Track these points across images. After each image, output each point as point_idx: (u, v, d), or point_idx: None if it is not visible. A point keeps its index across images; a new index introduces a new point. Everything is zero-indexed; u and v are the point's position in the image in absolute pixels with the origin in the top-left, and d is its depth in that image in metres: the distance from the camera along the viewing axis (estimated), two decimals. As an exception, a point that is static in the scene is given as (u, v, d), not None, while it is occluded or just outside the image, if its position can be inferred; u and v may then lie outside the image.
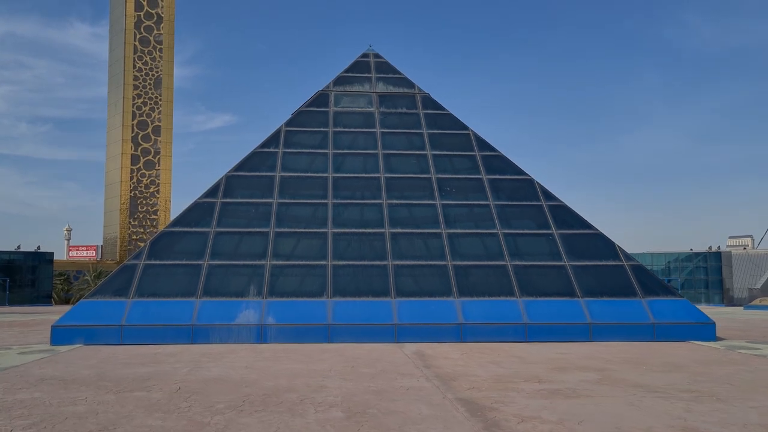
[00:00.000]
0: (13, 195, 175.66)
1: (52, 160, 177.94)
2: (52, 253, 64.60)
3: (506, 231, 20.89)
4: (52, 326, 16.86)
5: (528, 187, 22.40)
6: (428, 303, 18.55)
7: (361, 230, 20.64)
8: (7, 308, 49.41)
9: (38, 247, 64.55)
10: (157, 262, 18.69)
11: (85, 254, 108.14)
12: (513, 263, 19.82)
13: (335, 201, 21.41)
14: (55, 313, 36.97)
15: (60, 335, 16.67)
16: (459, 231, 20.84)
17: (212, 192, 21.04)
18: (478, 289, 19.02)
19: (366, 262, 19.58)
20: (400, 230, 20.61)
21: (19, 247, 59.72)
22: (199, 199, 20.79)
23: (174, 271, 18.70)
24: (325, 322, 17.77)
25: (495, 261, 19.93)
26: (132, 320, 16.98)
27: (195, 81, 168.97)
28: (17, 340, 18.10)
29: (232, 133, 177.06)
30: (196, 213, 20.30)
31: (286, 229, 20.38)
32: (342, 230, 20.48)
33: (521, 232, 21.07)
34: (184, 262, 18.79)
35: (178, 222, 19.97)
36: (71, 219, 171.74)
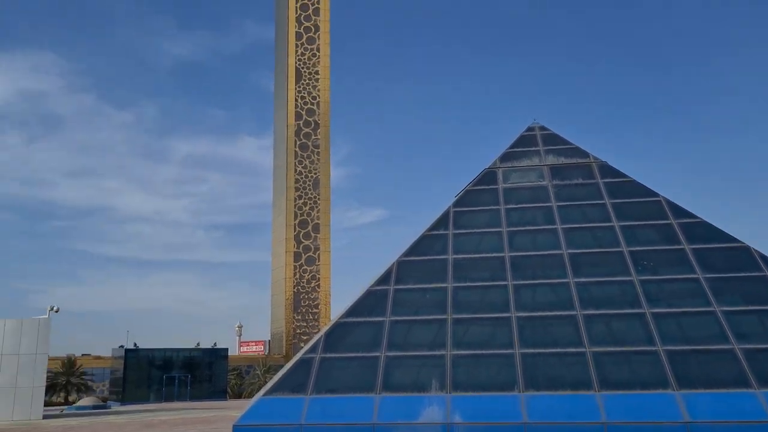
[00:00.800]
0: (192, 296, 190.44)
1: (224, 263, 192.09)
2: (227, 349, 67.48)
3: (725, 308, 17.49)
4: (233, 426, 16.00)
5: (744, 256, 18.93)
6: (640, 397, 15.55)
7: (547, 313, 18.28)
8: (188, 403, 51.31)
9: (215, 344, 67.71)
10: (333, 355, 17.52)
11: (254, 349, 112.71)
12: (742, 347, 16.33)
13: (515, 282, 19.34)
14: (231, 408, 37.47)
15: (241, 435, 15.73)
16: (665, 310, 17.76)
17: (384, 279, 19.87)
18: (702, 378, 15.72)
19: (558, 350, 17.07)
20: (593, 312, 17.97)
21: (198, 344, 63.03)
22: (371, 287, 19.67)
23: (350, 364, 17.39)
24: (520, 420, 15.36)
25: (717, 344, 16.56)
26: (311, 419, 15.69)
27: (348, 179, 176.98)
28: (198, 440, 17.45)
29: (383, 226, 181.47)
30: (369, 301, 19.13)
31: (465, 315, 18.52)
32: (526, 314, 18.24)
33: (744, 308, 17.56)
34: (360, 354, 17.47)
35: (351, 312, 18.86)
36: (241, 316, 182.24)
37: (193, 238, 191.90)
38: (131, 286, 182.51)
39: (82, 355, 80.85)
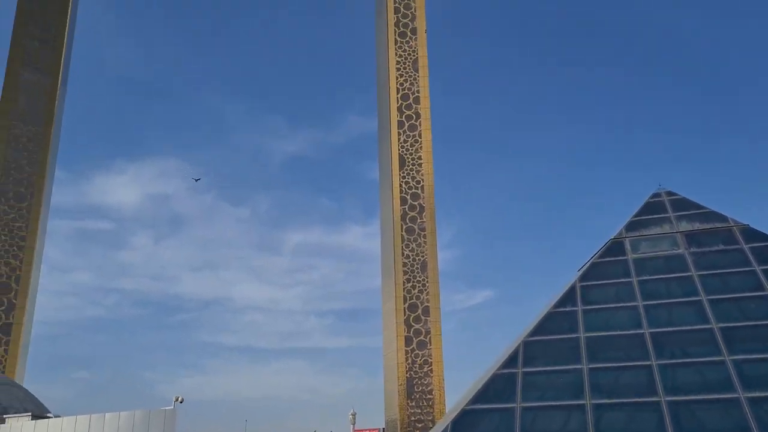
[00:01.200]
0: (305, 383, 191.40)
1: (335, 348, 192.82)
2: (345, 438, 65.87)
3: None
4: None
5: None
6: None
7: (703, 396, 16.08)
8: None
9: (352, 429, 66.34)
10: (464, 447, 16.15)
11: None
12: None
13: (659, 362, 17.33)
14: None
15: None
16: None
17: (510, 361, 18.46)
18: None
19: (723, 439, 14.82)
20: (760, 394, 15.61)
21: (314, 432, 61.94)
22: (497, 370, 18.30)
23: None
24: None
25: None
26: None
27: (453, 262, 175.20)
28: None
29: (492, 306, 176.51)
30: (497, 386, 17.73)
31: (606, 401, 16.65)
32: (678, 398, 16.12)
33: None
34: (495, 445, 16.00)
35: (479, 398, 17.51)
36: (354, 402, 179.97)
37: (305, 325, 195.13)
38: (247, 375, 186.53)
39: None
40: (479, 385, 18.21)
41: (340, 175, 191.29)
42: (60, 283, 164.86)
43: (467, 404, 17.52)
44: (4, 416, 36.95)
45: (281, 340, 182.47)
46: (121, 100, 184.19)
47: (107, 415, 32.61)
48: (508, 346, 19.74)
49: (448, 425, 16.75)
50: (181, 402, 33.94)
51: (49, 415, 36.98)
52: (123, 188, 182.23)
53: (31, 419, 34.06)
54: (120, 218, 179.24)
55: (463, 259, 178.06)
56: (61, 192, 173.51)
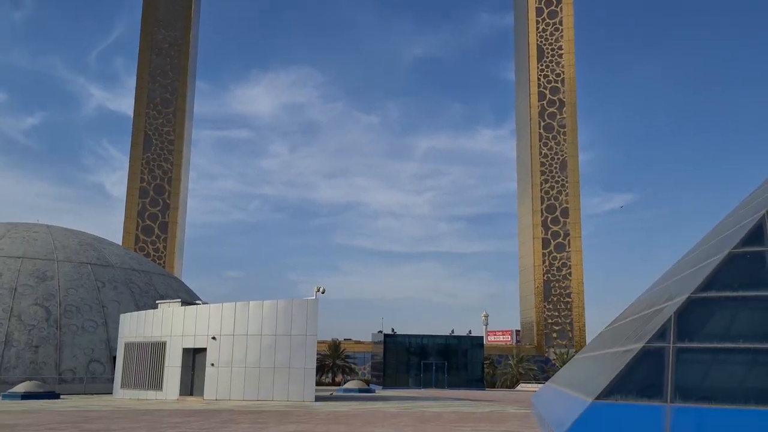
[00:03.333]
0: (438, 286, 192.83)
1: (467, 253, 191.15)
2: (482, 337, 63.70)
3: None
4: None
5: None
6: None
7: None
8: (448, 392, 48.00)
9: (469, 332, 64.45)
10: (697, 345, 11.68)
11: (501, 338, 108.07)
12: None
13: None
14: (501, 401, 32.60)
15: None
16: None
17: (755, 234, 13.39)
18: None
19: None
20: None
21: (452, 331, 60.19)
22: (735, 248, 13.33)
23: (727, 359, 11.42)
24: None
25: None
26: (687, 441, 10.14)
27: (592, 164, 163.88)
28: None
29: (630, 211, 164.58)
30: (738, 267, 12.82)
31: None
32: None
33: None
34: (742, 345, 11.39)
35: (711, 284, 12.74)
36: (486, 306, 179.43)
37: (436, 230, 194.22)
38: (383, 276, 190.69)
39: (344, 339, 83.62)
40: (703, 267, 13.40)
41: (471, 77, 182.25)
42: (208, 189, 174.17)
43: (695, 292, 12.80)
44: (157, 302, 37.41)
45: (413, 245, 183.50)
46: (252, 8, 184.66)
47: (251, 303, 31.54)
48: (735, 218, 14.64)
49: (670, 317, 12.24)
50: (323, 293, 32.06)
51: (197, 302, 36.80)
52: (259, 98, 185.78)
53: (181, 305, 33.90)
54: (259, 126, 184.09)
55: (601, 161, 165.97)
56: (202, 103, 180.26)
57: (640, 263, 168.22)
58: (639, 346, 12.40)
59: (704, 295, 12.68)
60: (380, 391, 46.65)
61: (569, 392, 14.31)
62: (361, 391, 43.63)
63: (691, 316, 12.41)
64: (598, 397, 11.60)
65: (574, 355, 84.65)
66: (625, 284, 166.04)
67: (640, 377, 11.56)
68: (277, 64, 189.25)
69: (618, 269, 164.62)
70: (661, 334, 12.19)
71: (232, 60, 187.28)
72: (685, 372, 11.55)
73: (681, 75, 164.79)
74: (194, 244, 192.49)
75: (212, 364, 30.82)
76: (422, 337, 58.61)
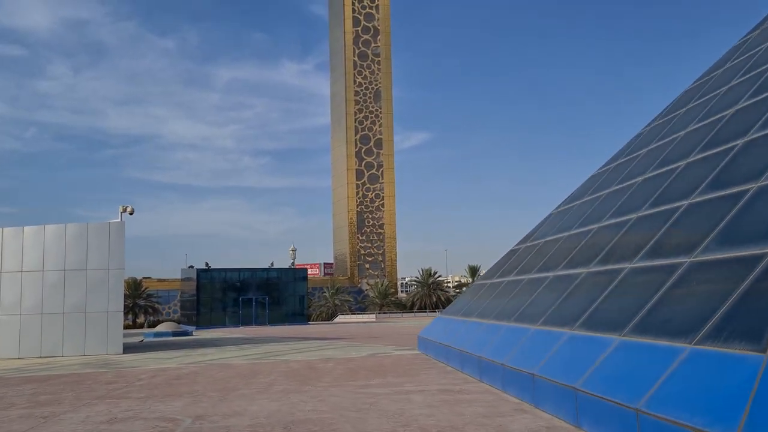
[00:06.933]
0: (242, 221, 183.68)
1: (272, 188, 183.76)
2: (305, 269, 58.71)
3: None
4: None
5: None
6: None
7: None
8: (271, 329, 42.52)
9: (292, 264, 58.94)
10: None
11: (310, 272, 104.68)
12: None
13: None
14: (356, 337, 27.54)
15: None
16: None
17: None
18: None
19: None
20: None
21: (272, 264, 54.18)
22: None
23: None
24: None
25: None
26: None
27: (400, 101, 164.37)
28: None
29: (427, 149, 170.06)
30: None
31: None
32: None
33: None
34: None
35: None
36: (295, 240, 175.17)
37: (240, 164, 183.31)
38: (183, 212, 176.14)
39: (144, 278, 73.40)
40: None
41: (275, 6, 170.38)
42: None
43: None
44: None
45: (216, 179, 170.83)
46: None
47: (27, 228, 22.64)
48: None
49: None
50: (131, 213, 24.08)
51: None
52: (33, 9, 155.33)
53: None
54: (33, 43, 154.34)
55: (403, 100, 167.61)
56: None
57: (437, 200, 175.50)
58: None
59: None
60: (197, 332, 39.58)
61: (574, 332, 9.47)
62: (175, 334, 36.26)
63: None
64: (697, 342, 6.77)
65: (387, 285, 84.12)
66: (424, 215, 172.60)
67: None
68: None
69: (418, 205, 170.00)
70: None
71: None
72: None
73: (488, 16, 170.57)
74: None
75: (-32, 315, 21.57)
76: (241, 270, 51.86)
